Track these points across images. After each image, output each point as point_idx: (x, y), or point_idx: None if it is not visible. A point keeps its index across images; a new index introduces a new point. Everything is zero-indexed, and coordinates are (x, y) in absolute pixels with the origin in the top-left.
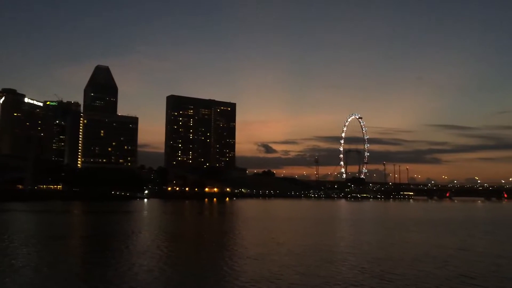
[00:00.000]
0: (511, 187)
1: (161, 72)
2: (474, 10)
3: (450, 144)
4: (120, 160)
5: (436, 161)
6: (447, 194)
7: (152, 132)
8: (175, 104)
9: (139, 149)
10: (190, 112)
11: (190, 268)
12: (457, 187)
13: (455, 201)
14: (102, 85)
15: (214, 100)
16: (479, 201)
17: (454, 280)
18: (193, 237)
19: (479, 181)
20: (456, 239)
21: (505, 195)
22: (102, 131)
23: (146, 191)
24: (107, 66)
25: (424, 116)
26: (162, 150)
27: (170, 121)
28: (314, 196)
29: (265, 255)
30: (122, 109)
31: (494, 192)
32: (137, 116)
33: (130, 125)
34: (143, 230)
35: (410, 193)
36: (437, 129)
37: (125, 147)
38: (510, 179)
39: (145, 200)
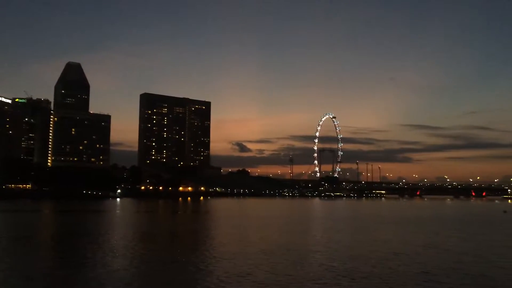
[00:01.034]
0: (479, 185)
1: (134, 69)
2: (444, 11)
3: (421, 143)
4: (92, 159)
5: (408, 160)
6: (418, 193)
7: (125, 130)
8: (149, 102)
9: (111, 147)
10: (164, 110)
11: (159, 268)
12: (427, 185)
13: (425, 199)
14: (74, 82)
15: (188, 99)
16: (448, 199)
17: (418, 277)
18: (165, 236)
19: (448, 180)
20: (423, 237)
21: (473, 194)
22: (73, 129)
23: (119, 190)
24: (79, 63)
25: (396, 116)
26: (136, 149)
27: (144, 119)
28: (289, 195)
29: (235, 254)
30: (94, 107)
31: (462, 191)
32: (109, 114)
33: (103, 123)
34: (115, 230)
35: (382, 192)
36: (408, 129)
37: (97, 145)
38: (478, 178)
39: (118, 199)
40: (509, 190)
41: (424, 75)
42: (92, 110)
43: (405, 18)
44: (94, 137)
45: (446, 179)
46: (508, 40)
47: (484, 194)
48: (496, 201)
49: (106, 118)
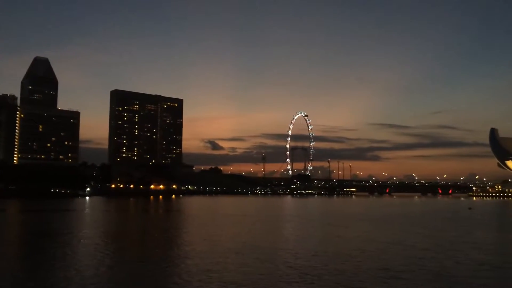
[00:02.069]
0: (445, 183)
1: (104, 65)
2: (412, 12)
3: (389, 142)
4: (60, 157)
5: (377, 158)
6: (387, 190)
7: (95, 127)
8: (120, 99)
9: (81, 145)
10: (136, 107)
11: (124, 267)
12: (396, 183)
13: (394, 196)
14: (41, 78)
15: (160, 96)
16: (416, 197)
17: (381, 273)
18: (134, 235)
19: (416, 178)
20: (390, 233)
21: (440, 191)
22: (40, 126)
23: (88, 189)
24: (47, 58)
25: (366, 115)
26: (106, 146)
27: (114, 117)
28: (261, 193)
29: (201, 253)
30: (63, 103)
31: (430, 188)
32: (78, 110)
33: (71, 120)
34: (83, 229)
35: (353, 189)
36: (377, 128)
37: (66, 142)
38: (445, 175)
39: (87, 198)
40: (474, 188)
41: (392, 75)
42: (60, 106)
43: (374, 17)
44: (62, 134)
45: (414, 177)
46: (474, 41)
47: (450, 191)
48: (462, 198)
49: (75, 115)
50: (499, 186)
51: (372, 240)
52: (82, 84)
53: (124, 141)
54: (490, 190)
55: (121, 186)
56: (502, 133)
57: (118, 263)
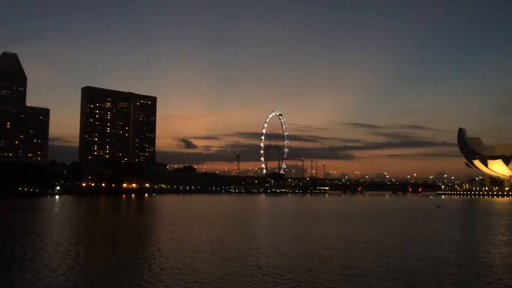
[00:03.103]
0: (415, 182)
1: (75, 61)
2: (384, 12)
3: (361, 141)
4: (29, 154)
5: (349, 157)
6: (359, 189)
7: (65, 125)
8: (91, 96)
9: (50, 142)
10: (108, 104)
11: (86, 269)
12: (368, 182)
13: (366, 195)
14: (9, 73)
15: (133, 93)
16: (387, 195)
17: (345, 271)
18: (100, 235)
19: (387, 176)
20: (357, 231)
21: (410, 189)
22: (8, 123)
23: (58, 187)
24: (15, 53)
25: (338, 115)
26: (76, 144)
27: (85, 114)
28: (235, 192)
29: (168, 252)
30: (32, 100)
31: (400, 187)
32: (48, 107)
33: (41, 117)
34: (50, 229)
35: (326, 188)
36: (350, 127)
37: (35, 140)
38: (415, 174)
39: (56, 196)
40: (442, 186)
41: (364, 75)
42: (29, 103)
43: (347, 17)
44: (31, 131)
45: (385, 175)
46: (445, 42)
47: (420, 190)
48: (431, 196)
49: (45, 112)
50: (467, 185)
51: (340, 238)
52: (52, 80)
53: (96, 139)
54: (458, 188)
55: (92, 184)
56: (469, 133)
57: (82, 264)
